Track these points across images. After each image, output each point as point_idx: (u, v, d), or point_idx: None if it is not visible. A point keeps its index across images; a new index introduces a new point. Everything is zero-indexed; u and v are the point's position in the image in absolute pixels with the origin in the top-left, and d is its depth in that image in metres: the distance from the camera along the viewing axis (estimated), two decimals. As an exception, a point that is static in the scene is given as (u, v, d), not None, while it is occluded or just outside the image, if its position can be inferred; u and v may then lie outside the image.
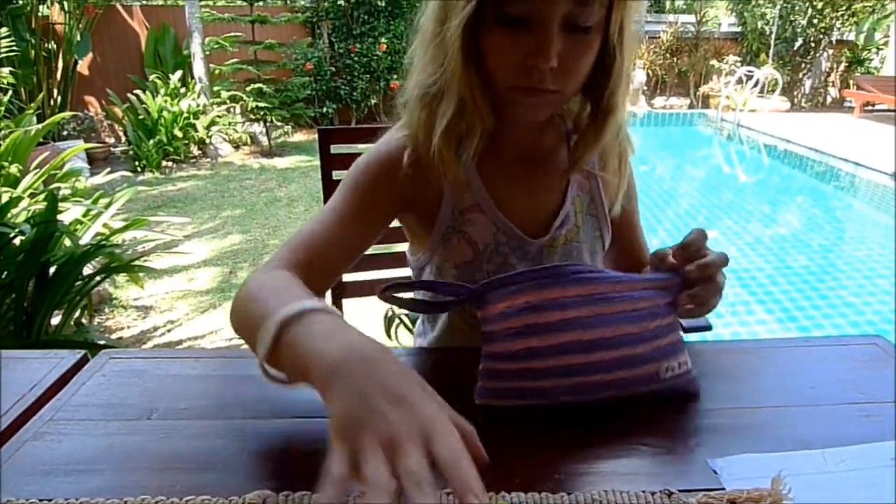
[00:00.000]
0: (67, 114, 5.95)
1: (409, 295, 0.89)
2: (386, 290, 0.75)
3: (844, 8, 10.75)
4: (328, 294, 1.38)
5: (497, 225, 0.90)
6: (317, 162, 1.36)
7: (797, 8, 10.78)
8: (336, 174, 1.36)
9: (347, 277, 1.39)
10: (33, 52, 6.45)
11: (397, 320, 2.39)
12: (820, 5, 10.67)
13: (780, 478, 0.55)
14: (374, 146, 0.90)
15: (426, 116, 0.82)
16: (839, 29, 11.22)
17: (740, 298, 3.61)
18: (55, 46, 6.85)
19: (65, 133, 6.84)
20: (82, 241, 2.59)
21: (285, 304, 0.59)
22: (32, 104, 5.18)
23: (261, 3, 7.70)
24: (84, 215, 2.94)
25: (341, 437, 0.44)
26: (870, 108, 10.24)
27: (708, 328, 1.08)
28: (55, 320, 2.41)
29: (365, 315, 3.00)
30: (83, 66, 7.71)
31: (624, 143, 0.91)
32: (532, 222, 0.92)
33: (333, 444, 0.44)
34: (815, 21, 10.84)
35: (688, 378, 0.75)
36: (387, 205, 0.88)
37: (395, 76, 8.78)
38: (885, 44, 11.26)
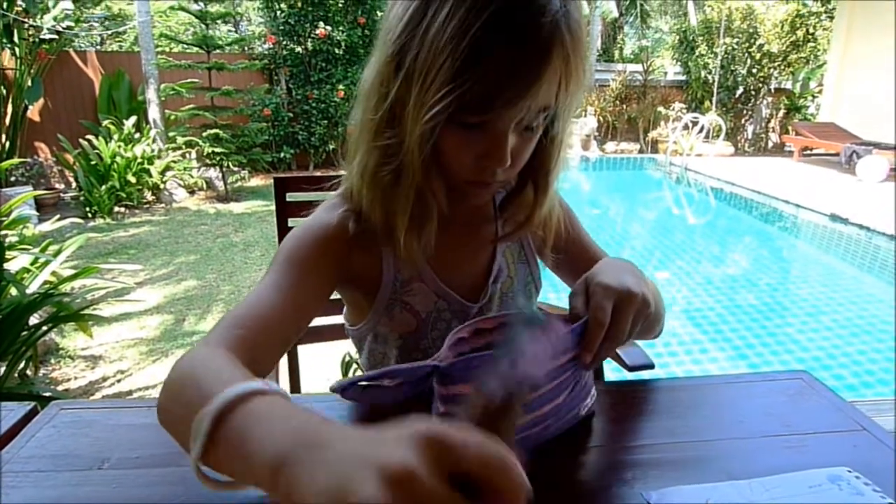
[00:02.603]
0: (16, 160, 5.86)
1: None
2: (344, 391, 0.69)
3: (781, 59, 11.36)
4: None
5: (438, 293, 0.92)
6: (273, 207, 1.39)
7: (737, 58, 11.35)
8: (292, 221, 1.38)
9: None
10: (-19, 97, 6.37)
11: (354, 364, 2.38)
12: (758, 56, 11.26)
13: (707, 507, 0.59)
14: (309, 221, 0.88)
15: (380, 201, 0.82)
16: (777, 78, 11.85)
17: (693, 337, 3.69)
18: (5, 91, 6.75)
19: (13, 179, 6.71)
20: (29, 290, 2.53)
21: (221, 389, 0.49)
22: (-20, 150, 5.09)
23: (218, 51, 7.75)
24: (32, 263, 2.87)
25: None
26: (808, 152, 10.72)
27: (651, 366, 1.13)
28: (-2, 372, 2.34)
29: (321, 360, 2.98)
30: (34, 112, 7.62)
31: (553, 200, 0.93)
32: (469, 285, 0.94)
33: None
34: (754, 71, 11.42)
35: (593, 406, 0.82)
36: (325, 280, 0.85)
37: (352, 122, 8.88)
38: (820, 92, 11.89)
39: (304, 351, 1.43)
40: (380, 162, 0.79)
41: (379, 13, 8.76)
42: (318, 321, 1.41)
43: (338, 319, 1.40)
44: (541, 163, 0.83)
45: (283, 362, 1.34)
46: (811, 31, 11.35)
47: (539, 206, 0.88)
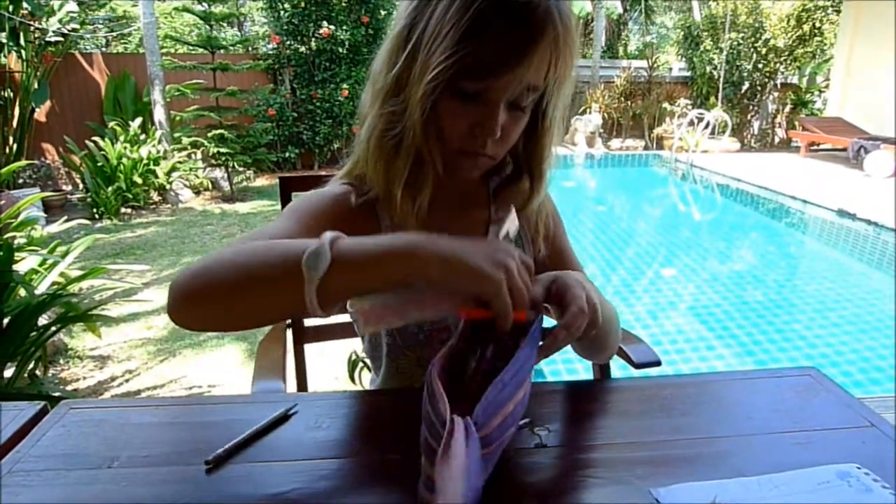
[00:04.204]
0: (23, 162, 5.88)
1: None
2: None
3: (787, 53, 11.30)
4: (289, 338, 1.39)
5: None
6: (279, 206, 1.39)
7: (742, 53, 11.29)
8: (297, 221, 1.38)
9: (308, 322, 1.40)
10: (-11, 100, 6.40)
11: (360, 363, 2.39)
12: (764, 51, 11.20)
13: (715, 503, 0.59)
14: (316, 190, 0.96)
15: (382, 165, 0.88)
16: (783, 73, 11.79)
17: (699, 334, 3.68)
18: (11, 94, 6.78)
19: (20, 181, 6.73)
20: (38, 291, 2.55)
21: (309, 241, 0.65)
22: (-13, 153, 5.11)
23: (223, 51, 7.77)
24: (40, 265, 2.89)
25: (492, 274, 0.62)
26: (815, 147, 10.68)
27: (657, 364, 1.13)
28: (8, 373, 2.35)
29: (327, 359, 2.99)
30: (41, 114, 7.65)
31: (545, 191, 1.00)
32: None
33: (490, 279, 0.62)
34: (760, 66, 11.36)
35: None
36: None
37: (357, 121, 8.87)
38: (827, 87, 11.82)
39: (310, 349, 1.43)
40: (385, 128, 0.86)
41: (382, 12, 8.76)
42: (325, 319, 1.42)
43: (343, 318, 1.41)
44: (536, 153, 0.92)
45: (290, 360, 1.35)
46: (818, 25, 11.29)
47: (535, 194, 0.95)
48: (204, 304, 0.69)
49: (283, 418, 0.81)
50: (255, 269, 0.67)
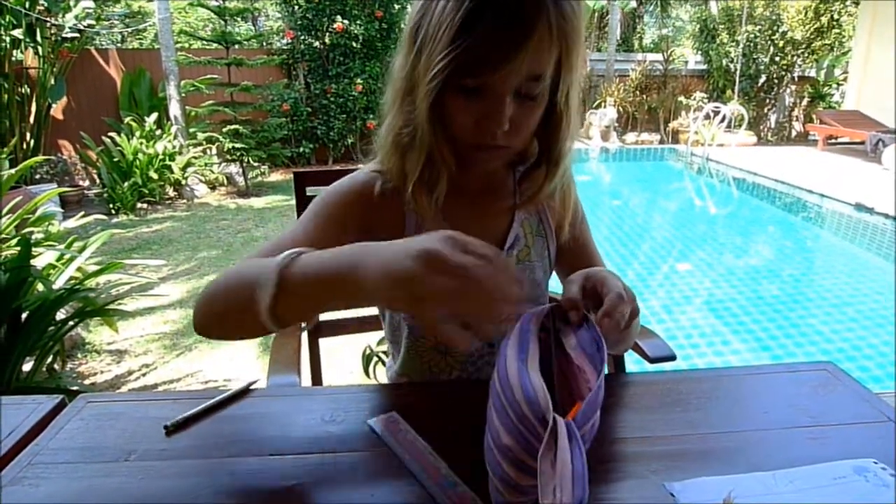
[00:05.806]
0: (40, 158, 5.92)
1: None
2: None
3: (804, 46, 11.17)
4: (304, 334, 1.40)
5: None
6: (294, 201, 1.40)
7: (759, 46, 11.17)
8: (311, 216, 1.38)
9: (323, 317, 1.41)
10: (6, 96, 6.45)
11: (375, 357, 2.40)
12: (781, 44, 11.08)
13: (730, 498, 0.58)
14: (341, 179, 1.00)
15: (398, 160, 0.91)
16: (800, 66, 11.64)
17: (715, 329, 3.66)
18: (28, 91, 6.85)
19: (38, 177, 6.79)
20: (56, 286, 2.57)
21: (273, 262, 0.67)
22: (5, 149, 5.15)
23: (237, 47, 7.80)
24: (58, 260, 2.91)
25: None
26: (832, 141, 10.55)
27: (672, 358, 1.12)
28: (27, 367, 2.38)
29: (342, 354, 3.01)
30: (57, 110, 7.72)
31: (567, 178, 1.02)
32: None
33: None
34: (777, 59, 11.23)
35: None
36: (353, 226, 0.94)
37: (371, 116, 8.89)
38: (845, 79, 11.67)
39: (325, 344, 1.44)
40: (402, 125, 0.89)
41: (396, 6, 8.75)
42: (339, 314, 1.42)
43: (358, 312, 1.42)
44: (550, 139, 0.92)
45: (305, 355, 1.35)
46: (836, 17, 11.13)
47: (550, 178, 0.96)
48: (208, 322, 0.79)
49: (244, 391, 0.89)
50: (231, 292, 0.74)
